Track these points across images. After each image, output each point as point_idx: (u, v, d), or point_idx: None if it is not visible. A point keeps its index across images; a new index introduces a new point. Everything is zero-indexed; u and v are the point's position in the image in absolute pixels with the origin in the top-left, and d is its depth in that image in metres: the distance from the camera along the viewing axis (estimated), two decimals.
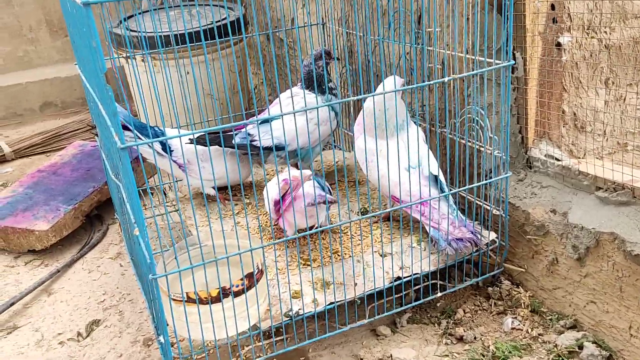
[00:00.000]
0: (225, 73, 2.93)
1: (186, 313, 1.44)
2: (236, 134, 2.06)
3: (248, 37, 2.92)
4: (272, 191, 1.82)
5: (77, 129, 3.46)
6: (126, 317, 1.97)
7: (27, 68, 3.80)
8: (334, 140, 2.59)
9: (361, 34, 2.29)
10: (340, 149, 2.56)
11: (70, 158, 2.81)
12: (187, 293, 1.46)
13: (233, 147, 2.04)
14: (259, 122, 2.06)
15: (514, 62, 1.69)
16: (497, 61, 1.65)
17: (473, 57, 1.74)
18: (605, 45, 1.98)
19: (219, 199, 2.18)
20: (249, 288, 1.52)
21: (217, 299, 1.48)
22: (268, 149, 2.05)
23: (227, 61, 2.96)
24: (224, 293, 1.48)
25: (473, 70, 1.77)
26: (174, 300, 1.47)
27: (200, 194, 2.29)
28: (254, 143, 2.03)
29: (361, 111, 1.87)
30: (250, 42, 3.27)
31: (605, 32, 1.97)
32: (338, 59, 2.38)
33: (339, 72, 2.53)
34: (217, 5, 3.12)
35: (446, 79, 1.57)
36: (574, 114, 1.96)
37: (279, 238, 1.93)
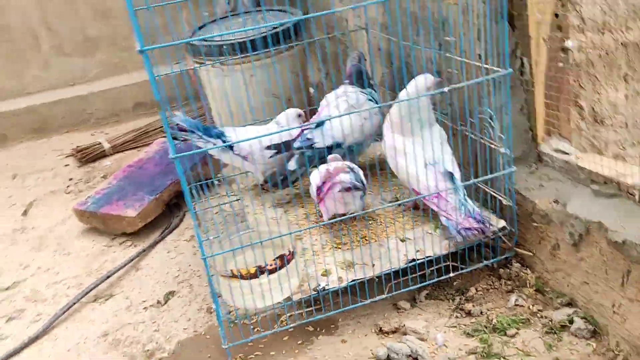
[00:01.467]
0: (288, 73, 3.23)
1: (231, 286, 1.82)
2: (295, 140, 2.34)
3: (309, 41, 3.19)
4: (314, 178, 2.14)
5: (161, 126, 3.96)
6: (195, 290, 2.39)
7: (122, 73, 4.36)
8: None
9: (396, 40, 2.53)
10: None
11: (153, 154, 3.29)
12: (231, 270, 1.83)
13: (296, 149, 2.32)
14: (315, 125, 2.34)
15: (511, 70, 1.88)
16: (497, 69, 1.86)
17: (479, 65, 1.94)
18: (621, 43, 2.11)
19: (264, 187, 2.53)
20: (281, 267, 1.86)
21: (254, 276, 1.84)
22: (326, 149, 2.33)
23: (288, 62, 3.25)
24: (261, 271, 1.84)
25: (484, 76, 1.98)
26: (223, 276, 1.85)
27: (260, 185, 2.66)
28: (314, 145, 2.30)
29: (390, 109, 2.14)
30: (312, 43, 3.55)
31: (622, 31, 2.09)
32: (365, 59, 2.60)
33: (382, 74, 2.79)
34: (280, 10, 3.41)
35: (446, 89, 1.81)
36: (592, 108, 2.12)
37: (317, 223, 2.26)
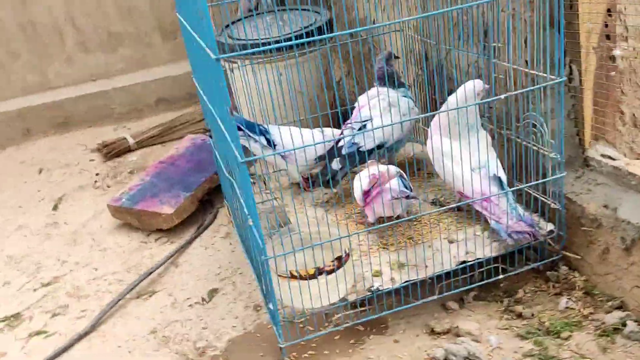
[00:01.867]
0: (314, 72, 3.27)
1: (289, 287, 1.85)
2: (340, 146, 2.37)
3: (333, 42, 3.21)
4: (361, 182, 2.17)
5: (186, 122, 3.96)
6: (238, 287, 2.42)
7: (144, 68, 4.37)
8: (413, 135, 2.89)
9: (434, 42, 2.56)
10: (419, 143, 2.86)
11: (184, 150, 3.31)
12: (290, 271, 1.86)
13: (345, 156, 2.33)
14: (358, 128, 2.37)
15: (565, 78, 1.91)
16: (552, 76, 1.89)
17: (531, 72, 1.97)
18: None
19: (304, 185, 2.56)
20: (338, 268, 1.89)
21: (313, 276, 1.87)
22: (370, 151, 2.37)
23: (314, 62, 3.28)
24: (319, 272, 1.86)
25: (532, 82, 2.01)
26: (280, 276, 1.88)
27: (296, 185, 2.69)
28: (360, 149, 2.34)
29: (439, 113, 2.17)
30: (336, 41, 3.58)
31: None
32: (397, 57, 2.62)
33: (416, 75, 2.82)
34: (305, 10, 3.43)
35: (502, 96, 1.84)
36: (633, 114, 2.16)
37: (362, 224, 2.29)
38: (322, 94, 3.39)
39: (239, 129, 2.30)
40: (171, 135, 3.92)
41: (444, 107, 2.13)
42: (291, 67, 3.07)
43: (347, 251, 1.93)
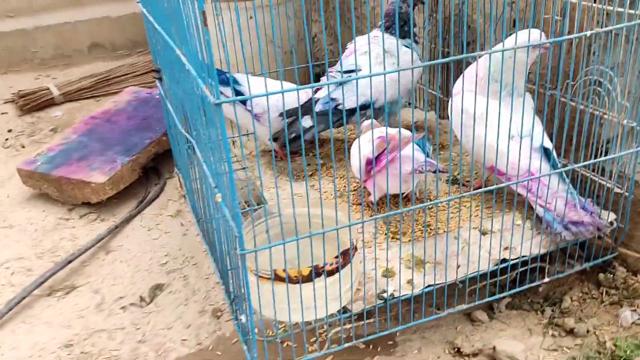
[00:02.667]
0: (290, 19, 2.67)
1: (273, 292, 1.27)
2: (317, 100, 1.84)
3: None
4: (365, 148, 1.62)
5: (127, 73, 3.28)
6: (191, 283, 1.83)
7: (77, 6, 3.61)
8: (414, 99, 2.35)
9: None
10: (421, 109, 2.32)
11: (125, 105, 2.64)
12: (275, 270, 1.28)
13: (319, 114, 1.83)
14: (339, 83, 1.83)
15: None
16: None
17: (607, 8, 1.46)
18: None
19: (279, 153, 2.00)
20: (343, 266, 1.33)
21: (307, 278, 1.30)
22: (352, 110, 1.83)
23: (292, 6, 2.70)
24: (317, 272, 1.30)
25: (601, 23, 1.50)
26: (261, 277, 1.30)
27: (267, 152, 2.10)
28: (339, 107, 1.81)
29: (474, 63, 1.64)
30: None
31: None
32: (422, 2, 2.09)
33: (424, 21, 2.26)
34: None
35: (588, 33, 1.31)
36: None
37: (359, 204, 1.74)
38: (297, 47, 2.81)
39: None
40: (107, 88, 3.23)
41: (482, 55, 1.59)
42: (264, 10, 2.48)
43: (355, 243, 1.37)
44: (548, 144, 1.60)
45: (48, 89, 3.11)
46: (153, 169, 2.44)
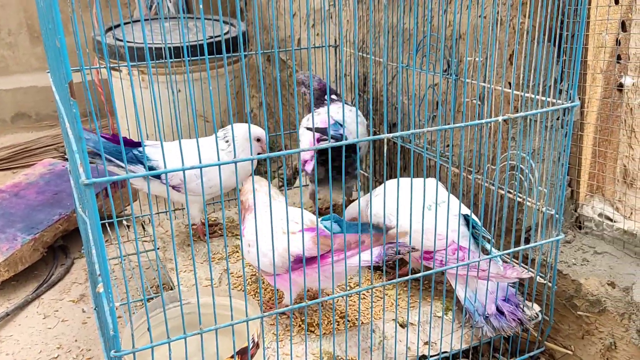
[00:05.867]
0: (222, 93, 2.62)
1: None
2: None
3: (248, 55, 2.62)
4: (284, 241, 1.33)
5: (49, 145, 3.12)
6: None
7: (3, 75, 3.46)
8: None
9: (380, 59, 2.02)
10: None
11: (37, 178, 2.46)
12: None
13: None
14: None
15: (578, 103, 1.40)
16: (559, 101, 1.37)
17: (527, 95, 1.44)
18: None
19: (199, 230, 1.86)
20: None
21: None
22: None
23: (222, 81, 2.65)
24: None
25: (522, 109, 1.49)
26: None
27: (184, 231, 1.96)
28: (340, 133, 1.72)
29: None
30: (252, 62, 2.98)
31: None
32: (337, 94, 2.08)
33: (351, 100, 2.24)
34: (214, 20, 2.82)
35: (501, 118, 1.27)
36: (624, 166, 1.69)
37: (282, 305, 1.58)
38: (228, 122, 2.74)
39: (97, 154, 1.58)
40: (27, 160, 3.05)
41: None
42: (193, 83, 2.42)
43: (256, 339, 1.23)
44: (466, 211, 1.51)
45: None
46: (61, 247, 2.25)
